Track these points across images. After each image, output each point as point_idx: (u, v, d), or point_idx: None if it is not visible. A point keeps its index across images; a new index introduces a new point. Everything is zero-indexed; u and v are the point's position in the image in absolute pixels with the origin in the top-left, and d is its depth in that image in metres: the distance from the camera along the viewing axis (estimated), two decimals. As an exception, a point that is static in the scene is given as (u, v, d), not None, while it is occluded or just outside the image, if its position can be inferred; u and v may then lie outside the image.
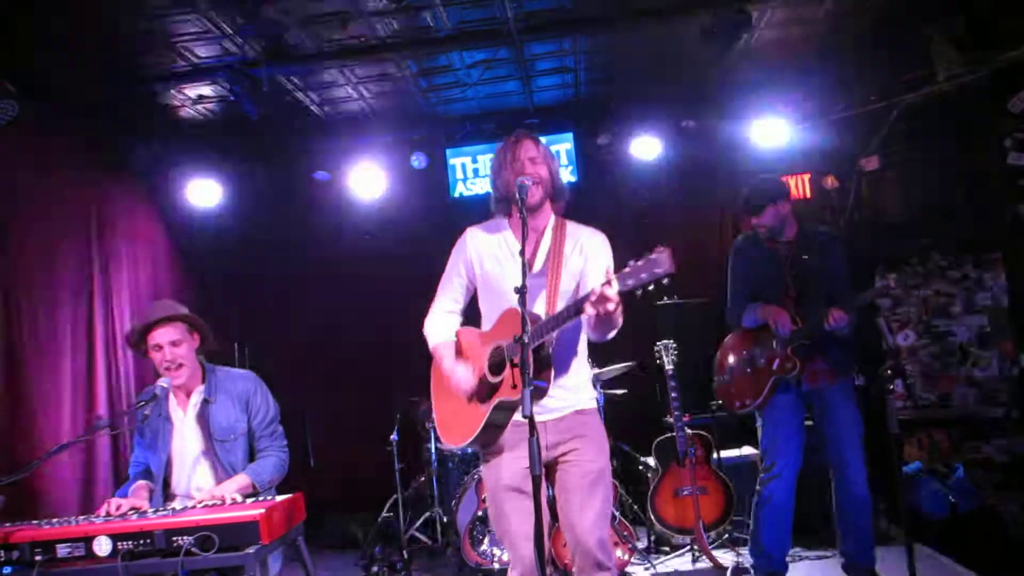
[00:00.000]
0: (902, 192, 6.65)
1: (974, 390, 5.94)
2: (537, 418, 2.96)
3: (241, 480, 3.59)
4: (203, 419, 3.74)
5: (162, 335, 3.65)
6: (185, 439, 3.76)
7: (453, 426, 3.13)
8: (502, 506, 3.06)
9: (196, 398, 3.77)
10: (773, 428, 4.53)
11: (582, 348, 3.18)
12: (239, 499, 3.39)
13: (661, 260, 2.40)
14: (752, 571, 4.69)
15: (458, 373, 3.03)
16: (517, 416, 2.99)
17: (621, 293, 2.47)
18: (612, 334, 2.91)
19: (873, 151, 6.53)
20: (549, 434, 3.04)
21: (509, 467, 3.03)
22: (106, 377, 5.64)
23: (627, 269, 2.48)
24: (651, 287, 2.42)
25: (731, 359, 4.72)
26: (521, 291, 2.61)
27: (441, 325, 3.28)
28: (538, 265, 3.09)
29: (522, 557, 2.99)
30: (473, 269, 3.23)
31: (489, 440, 3.04)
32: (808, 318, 4.37)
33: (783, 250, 4.57)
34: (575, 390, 3.11)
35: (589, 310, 2.56)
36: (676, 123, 6.51)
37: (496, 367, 2.93)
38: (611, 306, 2.50)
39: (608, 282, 2.49)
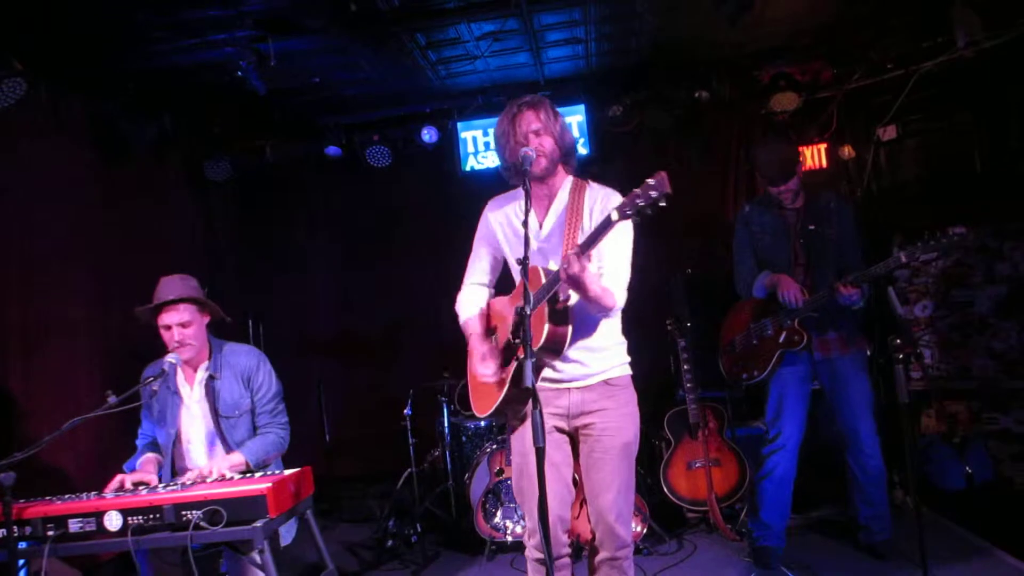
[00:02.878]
0: (920, 161, 6.55)
1: (993, 361, 5.86)
2: (563, 385, 3.07)
3: (234, 458, 3.60)
4: (210, 395, 3.77)
5: (172, 316, 3.66)
6: (192, 414, 3.80)
7: (481, 394, 3.14)
8: (526, 469, 3.07)
9: (202, 374, 3.79)
10: (779, 399, 4.51)
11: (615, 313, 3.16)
12: (228, 475, 3.41)
13: (658, 183, 2.44)
14: (750, 541, 4.69)
15: (475, 361, 3.06)
16: (542, 382, 3.02)
17: (624, 216, 2.52)
18: (602, 310, 2.89)
19: (891, 120, 6.43)
20: (573, 401, 3.07)
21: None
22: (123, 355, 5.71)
23: (625, 199, 2.52)
24: (649, 211, 2.47)
25: (737, 330, 4.69)
26: (523, 262, 2.60)
27: (469, 300, 3.31)
28: (550, 227, 3.10)
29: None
30: (497, 241, 3.26)
31: (515, 405, 3.03)
32: (818, 288, 4.33)
33: (791, 218, 4.53)
34: (604, 355, 3.11)
35: (561, 275, 2.65)
36: (689, 93, 6.43)
37: (517, 329, 2.93)
38: (574, 269, 2.60)
39: (574, 248, 2.63)
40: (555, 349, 2.85)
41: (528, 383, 2.35)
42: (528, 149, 2.92)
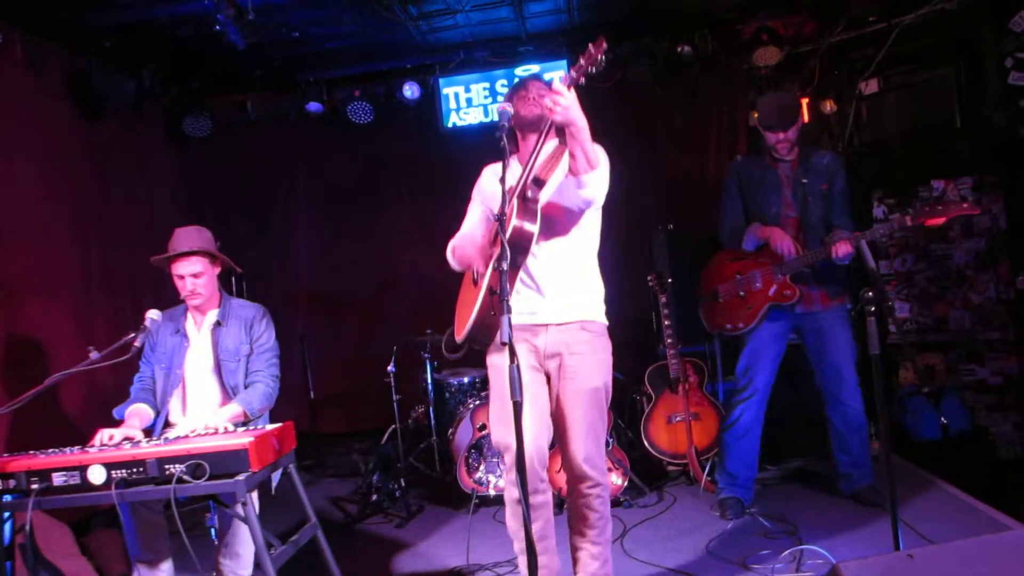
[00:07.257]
0: (901, 116, 6.54)
1: (970, 313, 5.93)
2: (540, 320, 3.17)
3: (233, 409, 3.67)
4: (214, 339, 3.92)
5: (185, 267, 3.82)
6: (197, 356, 3.95)
7: (462, 316, 3.21)
8: (502, 398, 3.14)
9: (211, 318, 3.96)
10: (755, 350, 4.54)
11: (591, 258, 3.28)
12: (231, 428, 3.46)
13: (597, 46, 2.66)
14: (718, 492, 4.76)
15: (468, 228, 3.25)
16: (517, 317, 3.02)
17: (574, 81, 2.74)
18: (594, 175, 2.97)
19: (872, 74, 6.41)
20: (549, 340, 3.16)
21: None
22: (105, 311, 5.71)
23: (573, 68, 2.74)
24: (592, 70, 2.71)
25: (720, 279, 4.71)
26: (499, 218, 2.61)
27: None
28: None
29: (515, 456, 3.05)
30: (488, 200, 3.36)
31: (489, 331, 3.07)
32: (810, 243, 4.35)
33: (784, 170, 4.52)
34: (581, 297, 3.21)
35: (547, 112, 2.81)
36: (671, 48, 6.39)
37: (494, 239, 3.02)
38: (561, 99, 2.73)
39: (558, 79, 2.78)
40: (522, 245, 2.93)
41: (505, 339, 2.36)
42: (506, 104, 2.98)
